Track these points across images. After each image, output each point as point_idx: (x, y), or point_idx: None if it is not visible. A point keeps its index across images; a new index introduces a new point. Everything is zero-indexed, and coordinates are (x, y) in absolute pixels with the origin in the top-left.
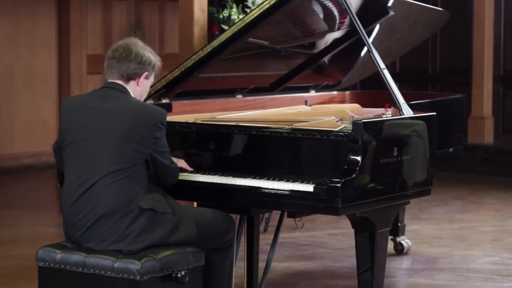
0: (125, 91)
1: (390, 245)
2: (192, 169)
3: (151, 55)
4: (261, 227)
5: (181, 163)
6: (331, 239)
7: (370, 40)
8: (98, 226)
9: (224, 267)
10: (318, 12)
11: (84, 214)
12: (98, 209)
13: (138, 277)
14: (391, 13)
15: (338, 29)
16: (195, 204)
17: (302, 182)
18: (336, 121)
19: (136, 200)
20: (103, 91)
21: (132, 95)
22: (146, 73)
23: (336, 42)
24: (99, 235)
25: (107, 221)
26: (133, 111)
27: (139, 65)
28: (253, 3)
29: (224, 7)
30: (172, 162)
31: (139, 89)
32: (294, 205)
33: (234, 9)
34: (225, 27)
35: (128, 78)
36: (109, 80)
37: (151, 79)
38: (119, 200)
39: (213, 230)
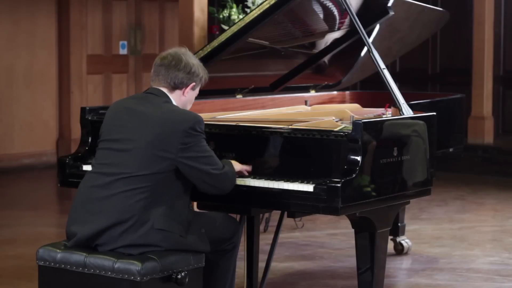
0: (164, 97)
1: (390, 245)
2: (248, 174)
3: (200, 68)
4: (261, 227)
5: (238, 166)
6: (331, 239)
7: (370, 40)
8: (105, 231)
9: (227, 269)
10: (318, 12)
11: (94, 212)
12: (108, 216)
13: (138, 278)
14: (391, 13)
15: (338, 29)
16: (195, 204)
17: (302, 182)
18: (336, 121)
19: (151, 213)
20: (142, 95)
21: (176, 104)
22: (193, 83)
23: (336, 42)
24: (104, 239)
25: (115, 231)
26: (164, 117)
27: (188, 75)
28: (253, 3)
29: (224, 7)
30: (223, 167)
31: (184, 99)
32: (294, 205)
33: (234, 9)
34: (225, 27)
35: (174, 87)
36: (153, 86)
37: (197, 91)
38: (131, 211)
39: (221, 235)
